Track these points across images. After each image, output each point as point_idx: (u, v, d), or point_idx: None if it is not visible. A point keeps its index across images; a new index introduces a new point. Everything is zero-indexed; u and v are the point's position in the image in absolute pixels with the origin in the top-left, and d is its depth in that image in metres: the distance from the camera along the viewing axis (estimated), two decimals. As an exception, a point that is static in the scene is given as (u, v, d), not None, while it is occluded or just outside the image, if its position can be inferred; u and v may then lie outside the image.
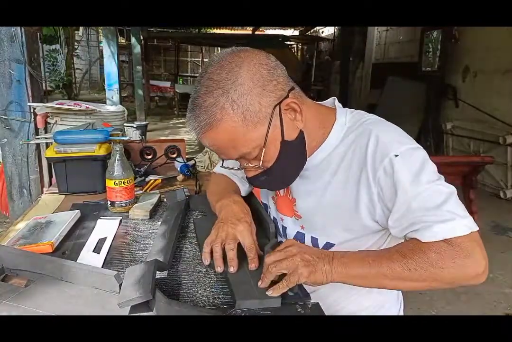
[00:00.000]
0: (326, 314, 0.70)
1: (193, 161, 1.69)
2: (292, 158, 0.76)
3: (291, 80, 0.76)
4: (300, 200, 0.85)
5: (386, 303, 0.93)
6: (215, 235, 0.82)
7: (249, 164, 0.75)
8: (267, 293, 0.69)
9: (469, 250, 0.64)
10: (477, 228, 0.67)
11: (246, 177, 0.80)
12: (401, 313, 0.98)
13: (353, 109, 0.83)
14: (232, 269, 0.76)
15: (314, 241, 0.85)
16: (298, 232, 0.89)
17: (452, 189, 0.70)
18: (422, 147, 0.74)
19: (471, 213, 3.10)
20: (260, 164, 0.73)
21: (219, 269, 0.78)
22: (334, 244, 0.82)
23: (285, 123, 0.72)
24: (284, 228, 0.93)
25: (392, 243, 0.79)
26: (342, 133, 0.78)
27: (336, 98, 0.86)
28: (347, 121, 0.79)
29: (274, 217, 0.98)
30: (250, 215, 0.87)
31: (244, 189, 1.06)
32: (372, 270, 0.67)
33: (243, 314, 0.68)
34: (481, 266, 0.65)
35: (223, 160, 0.83)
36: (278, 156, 0.73)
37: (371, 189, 0.73)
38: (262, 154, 0.72)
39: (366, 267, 0.68)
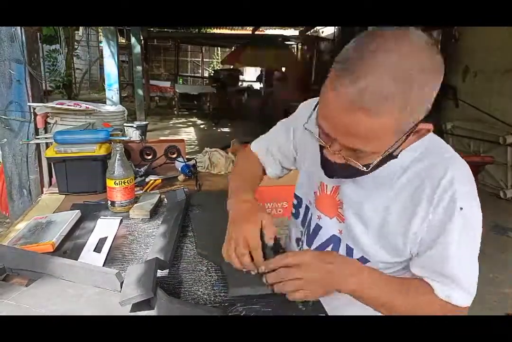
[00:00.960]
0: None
1: (194, 161, 1.69)
2: (375, 167, 0.69)
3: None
4: (347, 204, 0.81)
5: None
6: (228, 241, 0.78)
7: (347, 151, 0.65)
8: (265, 282, 0.70)
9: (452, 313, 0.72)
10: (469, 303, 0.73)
11: (325, 160, 0.71)
12: None
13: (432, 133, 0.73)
14: (254, 272, 0.75)
15: (350, 250, 0.82)
16: (333, 235, 0.85)
17: (476, 253, 0.73)
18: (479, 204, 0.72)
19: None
20: (355, 157, 0.65)
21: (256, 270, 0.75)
22: (370, 261, 0.79)
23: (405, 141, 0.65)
24: (319, 228, 0.88)
25: None
26: (416, 154, 0.73)
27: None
28: (425, 141, 0.71)
29: (308, 213, 0.92)
30: (263, 212, 0.81)
31: (274, 172, 1.03)
32: (381, 298, 0.72)
33: (243, 313, 0.68)
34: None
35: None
36: (376, 163, 0.66)
37: (424, 223, 0.71)
38: (369, 159, 0.65)
39: (383, 295, 0.72)
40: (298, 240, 0.97)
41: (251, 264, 0.74)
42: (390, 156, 0.67)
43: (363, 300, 0.72)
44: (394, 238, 0.75)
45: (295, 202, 0.98)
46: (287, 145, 0.97)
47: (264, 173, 1.04)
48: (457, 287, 0.71)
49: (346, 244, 0.82)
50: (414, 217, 0.71)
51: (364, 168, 0.66)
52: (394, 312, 0.72)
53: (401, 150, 0.68)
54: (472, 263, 0.72)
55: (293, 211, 0.99)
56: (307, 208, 0.93)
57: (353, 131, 0.60)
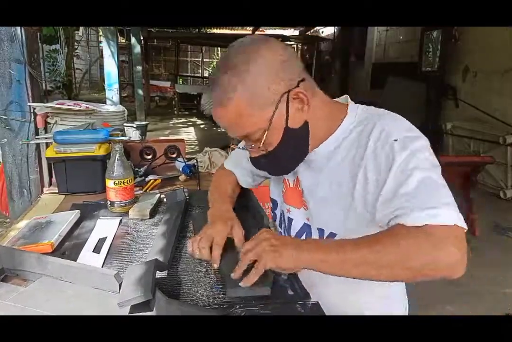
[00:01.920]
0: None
1: (194, 161, 1.69)
2: (294, 145, 0.78)
3: (305, 72, 0.78)
4: (307, 190, 0.87)
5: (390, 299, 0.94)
6: (196, 236, 0.87)
7: (252, 145, 0.78)
8: (240, 284, 0.71)
9: (444, 241, 0.62)
10: (464, 225, 0.65)
11: (250, 158, 0.83)
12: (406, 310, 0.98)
13: (365, 105, 0.84)
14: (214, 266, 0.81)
15: (321, 232, 0.85)
16: (304, 224, 0.90)
17: (443, 181, 0.69)
18: (424, 137, 0.74)
19: (471, 213, 3.10)
20: (261, 146, 0.76)
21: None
22: (337, 234, 0.82)
23: (290, 112, 0.74)
24: (290, 220, 0.94)
25: None
26: (351, 126, 0.80)
27: (348, 96, 0.87)
28: (358, 115, 0.80)
29: (281, 211, 0.99)
30: (234, 219, 0.91)
31: (246, 181, 1.09)
32: (337, 255, 0.66)
33: (243, 314, 0.68)
34: (453, 256, 0.63)
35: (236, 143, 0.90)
36: (280, 142, 0.76)
37: (368, 173, 0.74)
38: (264, 137, 0.75)
39: (331, 252, 0.67)
40: None
41: (208, 256, 0.81)
42: (289, 130, 0.75)
43: (325, 266, 0.68)
44: (349, 202, 0.78)
45: (272, 205, 1.05)
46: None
47: (239, 184, 1.10)
48: (422, 208, 0.64)
49: (317, 228, 0.86)
50: (359, 173, 0.75)
51: (268, 149, 0.77)
52: (371, 266, 0.65)
53: (305, 131, 0.78)
54: (431, 180, 0.67)
55: (272, 214, 1.06)
56: (280, 207, 1.00)
57: (229, 127, 0.76)
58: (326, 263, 0.67)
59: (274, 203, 1.03)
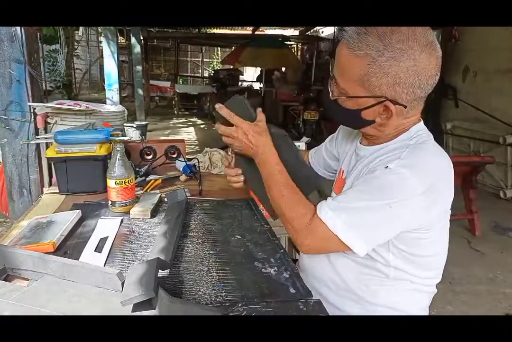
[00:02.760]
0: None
1: (196, 160, 1.68)
2: (348, 119, 0.90)
3: (421, 100, 0.83)
4: (348, 182, 0.96)
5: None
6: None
7: (333, 88, 0.87)
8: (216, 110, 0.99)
9: (313, 233, 0.82)
10: (335, 231, 0.79)
11: (325, 92, 0.91)
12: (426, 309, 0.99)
13: (425, 130, 0.89)
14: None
15: None
16: None
17: (380, 216, 0.79)
18: (420, 188, 0.77)
19: (471, 213, 3.10)
20: (331, 91, 0.87)
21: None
22: None
23: (372, 108, 0.82)
24: None
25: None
26: (400, 141, 0.87)
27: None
28: (413, 137, 0.86)
29: None
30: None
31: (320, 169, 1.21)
32: (270, 176, 0.91)
33: (244, 312, 0.68)
34: (304, 240, 0.84)
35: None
36: (343, 110, 0.86)
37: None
38: (342, 97, 0.84)
39: (269, 167, 0.91)
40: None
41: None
42: (358, 113, 0.84)
43: (262, 163, 0.91)
44: None
45: None
46: (331, 144, 1.14)
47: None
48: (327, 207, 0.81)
49: None
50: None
51: (335, 98, 0.87)
52: (274, 198, 0.90)
53: (365, 122, 0.86)
54: (360, 207, 0.79)
55: None
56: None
57: (338, 61, 0.82)
58: (262, 167, 0.92)
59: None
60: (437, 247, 0.90)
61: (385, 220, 0.78)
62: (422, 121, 0.90)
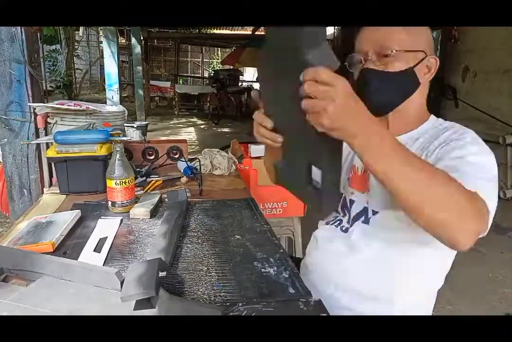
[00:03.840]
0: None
1: (197, 160, 1.68)
2: (401, 82, 0.88)
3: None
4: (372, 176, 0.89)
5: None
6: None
7: (376, 57, 0.87)
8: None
9: (480, 215, 0.70)
10: (492, 213, 0.77)
11: (362, 68, 0.89)
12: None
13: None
14: None
15: (375, 214, 0.94)
16: (364, 207, 0.97)
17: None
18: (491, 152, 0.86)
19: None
20: (377, 59, 0.87)
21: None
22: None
23: (421, 64, 0.88)
24: (352, 202, 1.00)
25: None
26: (430, 130, 0.92)
27: None
28: (436, 122, 0.94)
29: (343, 195, 1.04)
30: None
31: None
32: (404, 160, 0.62)
33: (245, 312, 0.68)
34: (474, 230, 0.68)
35: None
36: (399, 71, 0.86)
37: (434, 149, 0.86)
38: (395, 55, 0.85)
39: (402, 155, 0.62)
40: (327, 223, 1.07)
41: None
42: (411, 71, 0.86)
43: (383, 154, 0.61)
44: None
45: None
46: None
47: None
48: (476, 177, 0.75)
49: (372, 209, 0.94)
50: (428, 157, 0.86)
51: (379, 67, 0.86)
52: (416, 187, 0.63)
53: (416, 83, 0.89)
54: (490, 178, 0.79)
55: None
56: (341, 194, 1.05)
57: (385, 30, 0.86)
58: (389, 160, 0.61)
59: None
60: None
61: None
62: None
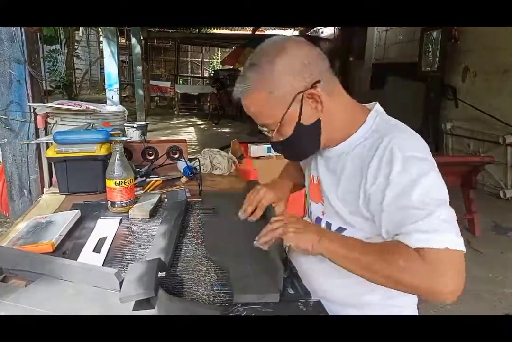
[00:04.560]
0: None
1: (197, 160, 1.68)
2: (304, 139, 0.86)
3: (329, 73, 0.84)
4: (326, 189, 0.93)
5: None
6: (254, 191, 1.06)
7: (269, 133, 0.87)
8: (254, 242, 0.83)
9: (438, 268, 0.66)
10: (460, 248, 0.68)
11: (270, 142, 0.93)
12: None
13: (384, 114, 0.89)
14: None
15: (328, 225, 0.93)
16: (317, 217, 0.98)
17: (441, 198, 0.73)
18: (432, 161, 0.77)
19: (471, 213, 3.08)
20: (273, 136, 0.87)
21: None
22: (346, 229, 0.88)
23: (304, 109, 0.82)
24: (310, 212, 1.03)
25: None
26: (366, 134, 0.85)
27: (378, 103, 0.91)
28: (374, 124, 0.85)
29: (308, 203, 1.06)
30: (285, 194, 1.09)
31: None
32: (349, 253, 0.74)
33: (244, 312, 0.68)
34: (448, 286, 0.67)
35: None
36: (292, 134, 0.84)
37: (369, 180, 0.79)
38: (277, 128, 0.84)
39: (346, 249, 0.75)
40: None
41: (248, 213, 1.02)
42: (301, 125, 0.83)
43: (337, 257, 0.76)
44: (354, 200, 0.83)
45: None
46: None
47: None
48: (418, 231, 0.68)
49: (326, 221, 0.94)
50: (362, 177, 0.81)
51: (281, 138, 0.86)
52: (372, 274, 0.72)
53: (316, 127, 0.84)
54: (429, 204, 0.70)
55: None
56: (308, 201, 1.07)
57: (252, 114, 0.85)
58: (339, 258, 0.76)
59: (307, 197, 1.09)
60: None
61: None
62: (376, 106, 0.89)
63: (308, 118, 0.83)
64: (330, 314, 0.73)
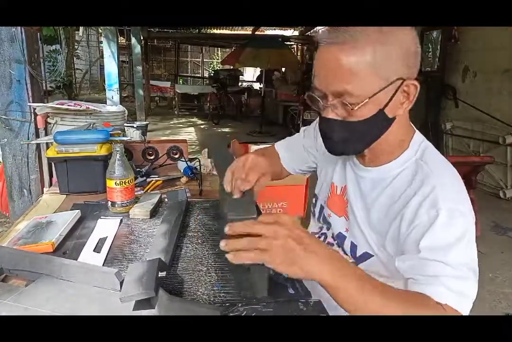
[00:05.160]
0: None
1: (197, 160, 1.68)
2: (369, 129, 0.74)
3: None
4: (353, 205, 0.86)
5: None
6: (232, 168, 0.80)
7: (337, 104, 0.71)
8: (226, 255, 0.58)
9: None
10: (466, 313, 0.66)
11: (322, 117, 0.76)
12: None
13: (427, 143, 0.81)
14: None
15: (353, 247, 0.86)
16: (340, 233, 0.91)
17: (473, 267, 0.69)
18: (471, 214, 0.72)
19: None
20: (350, 110, 0.70)
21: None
22: (373, 256, 0.82)
23: (394, 99, 0.71)
24: (329, 224, 0.96)
25: None
26: (407, 163, 0.78)
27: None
28: (418, 152, 0.79)
29: (322, 212, 0.99)
30: (268, 169, 0.86)
31: (293, 167, 1.09)
32: (358, 296, 0.60)
33: (244, 312, 0.68)
34: None
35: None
36: (365, 119, 0.71)
37: (404, 223, 0.73)
38: (361, 104, 0.69)
39: (356, 289, 0.60)
40: (313, 234, 1.02)
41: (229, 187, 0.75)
42: (381, 114, 0.71)
43: (339, 295, 0.60)
44: (385, 234, 0.78)
45: (313, 200, 1.07)
46: (308, 148, 1.06)
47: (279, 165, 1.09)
48: (448, 290, 0.65)
49: (351, 241, 0.87)
50: (395, 218, 0.75)
51: (348, 118, 0.71)
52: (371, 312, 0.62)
53: (389, 121, 0.74)
54: (462, 263, 0.67)
55: (312, 208, 1.06)
56: (321, 207, 1.01)
57: (337, 72, 0.68)
58: (341, 294, 0.60)
59: (316, 199, 1.04)
60: None
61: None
62: (417, 132, 0.82)
63: (390, 111, 0.72)
64: (331, 307, 0.72)
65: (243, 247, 0.57)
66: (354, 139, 0.75)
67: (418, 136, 0.81)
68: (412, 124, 0.83)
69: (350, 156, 0.87)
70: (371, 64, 0.67)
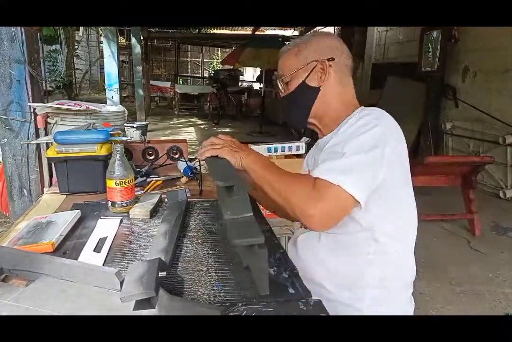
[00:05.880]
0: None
1: (197, 160, 1.68)
2: (300, 99, 1.03)
3: (346, 69, 1.03)
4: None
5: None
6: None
7: (279, 83, 1.05)
8: (197, 155, 1.00)
9: (320, 196, 0.81)
10: (351, 192, 0.80)
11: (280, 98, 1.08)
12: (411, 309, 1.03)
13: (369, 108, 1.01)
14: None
15: None
16: None
17: (366, 152, 0.85)
18: (385, 125, 0.90)
19: (471, 212, 3.09)
20: (284, 87, 1.05)
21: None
22: None
23: (312, 74, 1.00)
24: None
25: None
26: (352, 118, 0.97)
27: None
28: (360, 113, 0.97)
29: None
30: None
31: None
32: (261, 171, 0.92)
33: (244, 312, 0.68)
34: (318, 212, 0.80)
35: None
36: (293, 91, 1.02)
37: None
38: (286, 80, 1.03)
39: (263, 169, 0.92)
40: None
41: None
42: (304, 84, 1.01)
43: (253, 173, 0.92)
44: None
45: None
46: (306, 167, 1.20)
47: None
48: (327, 169, 0.84)
49: None
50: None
51: (286, 92, 1.05)
52: (272, 189, 0.88)
53: (315, 91, 1.01)
54: (354, 150, 0.84)
55: None
56: None
57: (280, 64, 1.06)
58: (254, 172, 0.93)
59: None
60: (408, 211, 0.98)
61: (373, 162, 0.86)
62: (362, 107, 1.02)
63: (311, 81, 1.00)
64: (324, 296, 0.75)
65: (206, 147, 0.99)
66: (295, 107, 1.05)
67: (360, 108, 1.01)
68: (361, 106, 1.02)
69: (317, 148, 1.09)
70: (295, 55, 1.01)
